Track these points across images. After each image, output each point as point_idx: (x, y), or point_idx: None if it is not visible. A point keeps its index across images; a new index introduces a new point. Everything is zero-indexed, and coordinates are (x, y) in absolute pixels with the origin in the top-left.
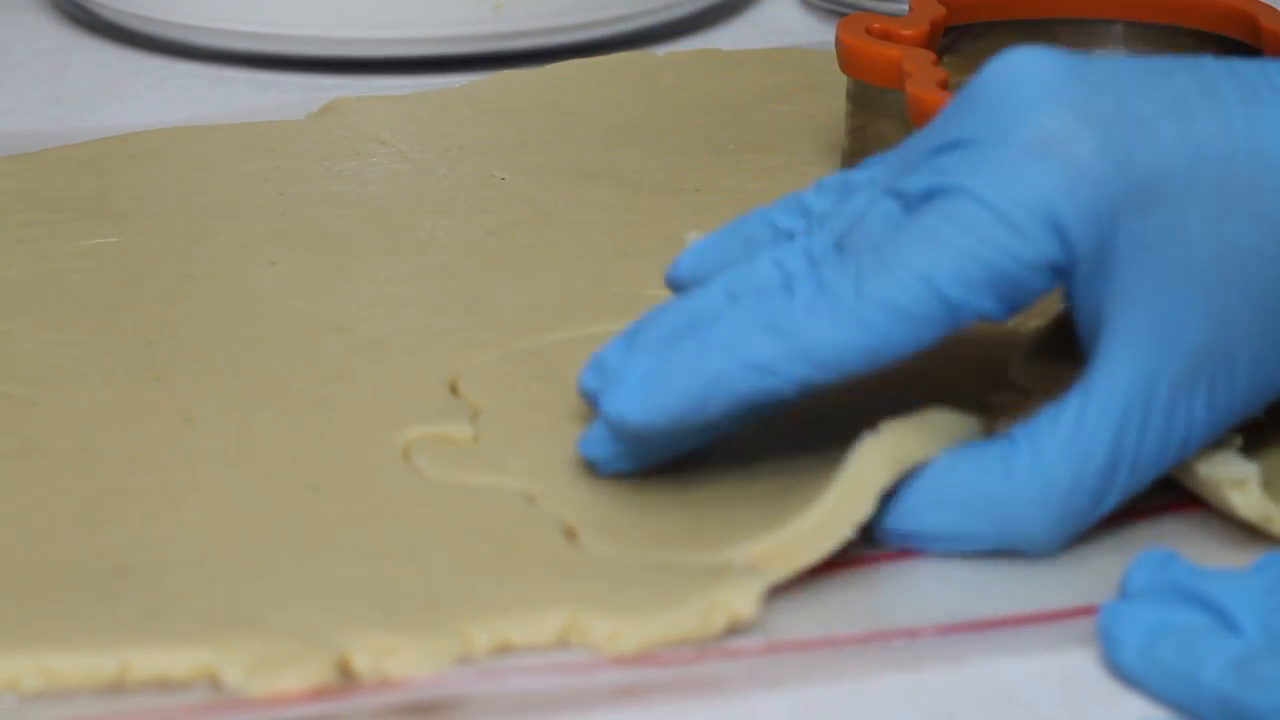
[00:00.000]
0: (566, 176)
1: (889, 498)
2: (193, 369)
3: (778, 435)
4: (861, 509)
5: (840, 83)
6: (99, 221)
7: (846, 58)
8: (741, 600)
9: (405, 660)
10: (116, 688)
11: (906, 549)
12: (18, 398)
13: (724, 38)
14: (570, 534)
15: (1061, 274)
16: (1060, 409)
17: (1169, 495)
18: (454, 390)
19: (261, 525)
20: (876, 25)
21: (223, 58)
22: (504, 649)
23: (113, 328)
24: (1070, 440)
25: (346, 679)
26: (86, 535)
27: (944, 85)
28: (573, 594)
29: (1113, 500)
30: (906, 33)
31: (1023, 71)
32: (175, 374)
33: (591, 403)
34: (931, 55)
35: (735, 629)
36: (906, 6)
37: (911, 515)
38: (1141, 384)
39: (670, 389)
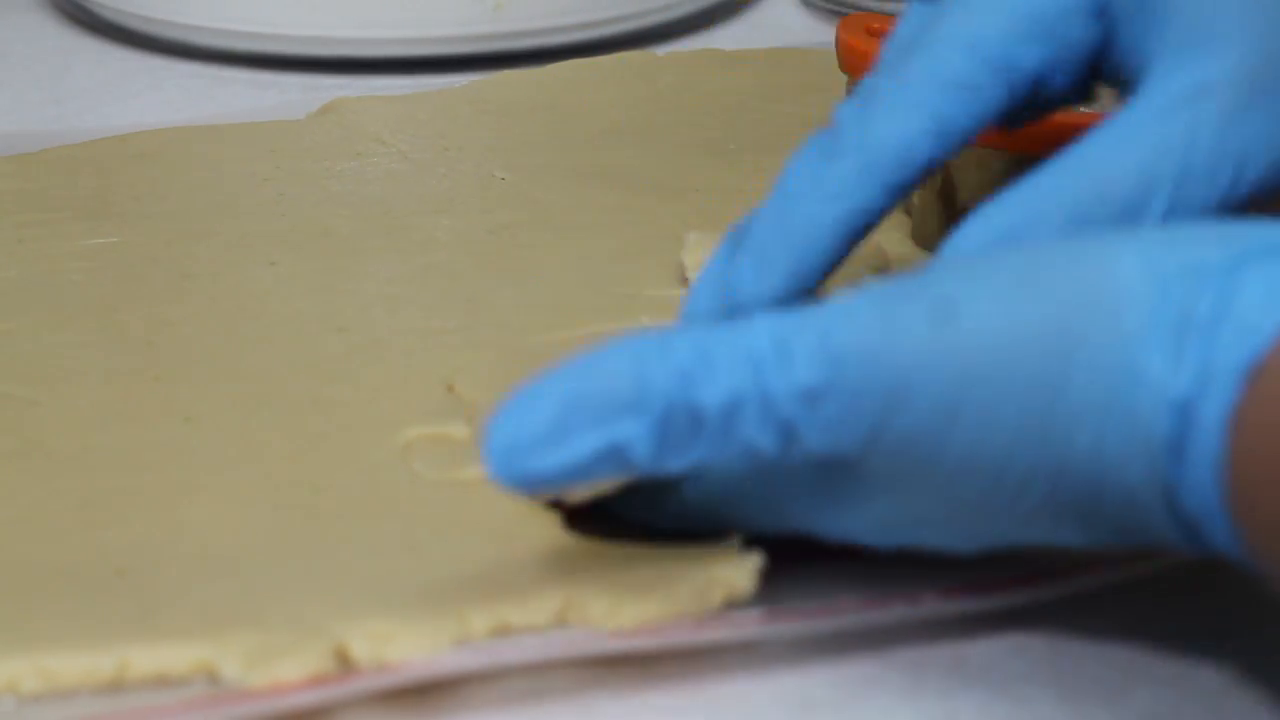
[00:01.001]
0: (566, 176)
1: None
2: (193, 369)
3: None
4: None
5: (840, 82)
6: (99, 221)
7: (846, 58)
8: (738, 576)
9: (403, 645)
10: (115, 687)
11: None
12: (18, 398)
13: (724, 38)
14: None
15: (1100, 13)
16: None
17: None
18: (452, 390)
19: (261, 525)
20: (876, 25)
21: (223, 58)
22: (502, 631)
23: (113, 328)
24: (1108, 138)
25: (345, 667)
26: (86, 535)
27: (875, 33)
28: (570, 576)
29: (1159, 208)
30: None
31: None
32: (175, 374)
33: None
34: None
35: (732, 605)
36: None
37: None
38: (1186, 95)
39: (773, 255)
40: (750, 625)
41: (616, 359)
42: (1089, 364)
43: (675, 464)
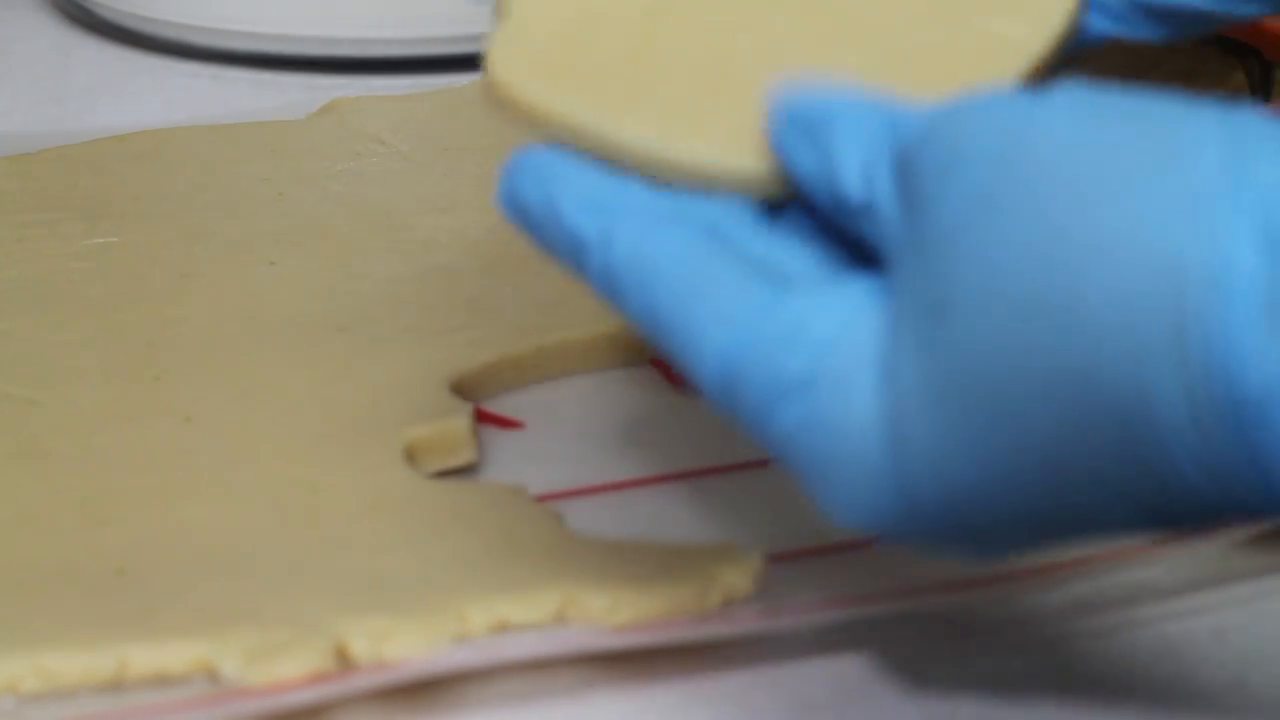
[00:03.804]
0: None
1: None
2: (193, 369)
3: None
4: None
5: None
6: (99, 221)
7: None
8: (738, 575)
9: (402, 643)
10: (115, 686)
11: None
12: (18, 398)
13: None
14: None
15: None
16: None
17: None
18: (454, 390)
19: (261, 524)
20: None
21: (223, 58)
22: (501, 628)
23: (113, 328)
24: None
25: (345, 664)
26: (86, 535)
27: None
28: (569, 573)
29: None
30: None
31: None
32: (175, 374)
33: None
34: None
35: (731, 604)
36: None
37: None
38: None
39: None
40: (750, 621)
41: None
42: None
43: None
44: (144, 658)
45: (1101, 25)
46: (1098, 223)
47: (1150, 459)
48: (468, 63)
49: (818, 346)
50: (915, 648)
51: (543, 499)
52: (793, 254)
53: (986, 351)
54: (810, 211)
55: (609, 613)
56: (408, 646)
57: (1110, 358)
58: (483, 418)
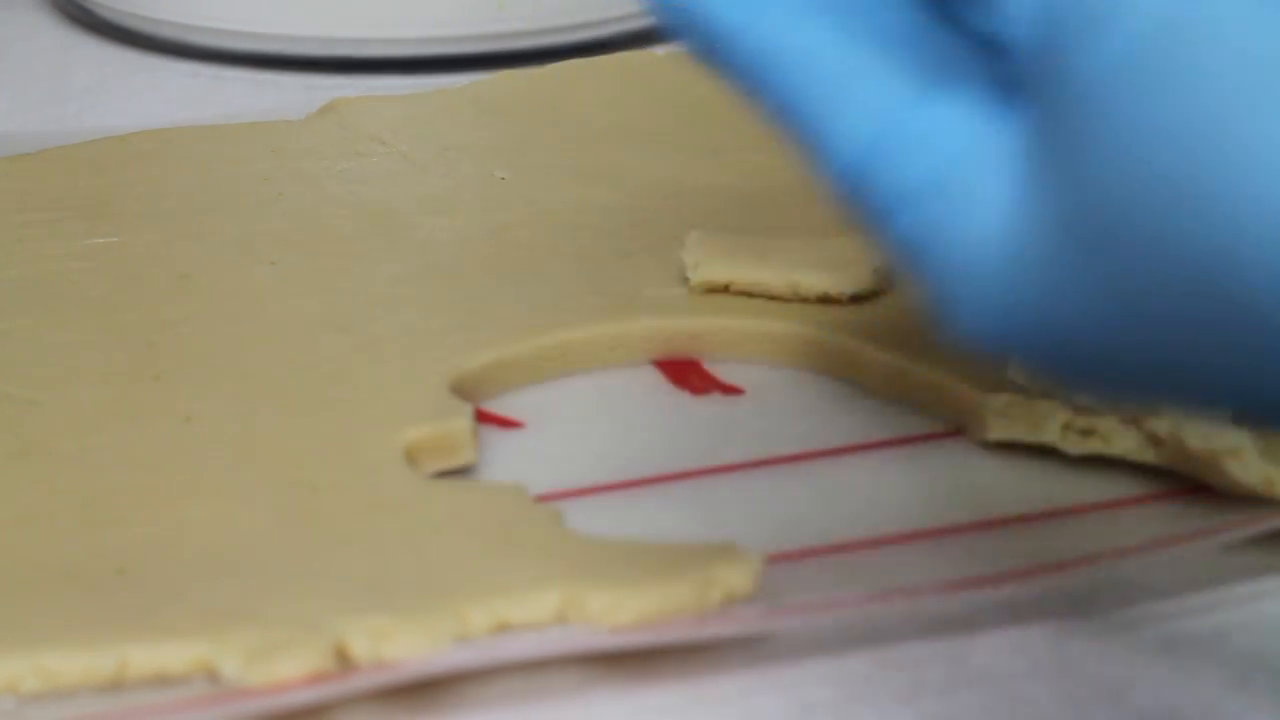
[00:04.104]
0: (566, 176)
1: None
2: (193, 369)
3: None
4: None
5: None
6: (99, 221)
7: None
8: (737, 575)
9: (402, 643)
10: (115, 686)
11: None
12: (17, 398)
13: None
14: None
15: None
16: None
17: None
18: (454, 390)
19: (261, 524)
20: None
21: (223, 58)
22: (502, 628)
23: (113, 328)
24: None
25: (344, 664)
26: (86, 535)
27: None
28: (569, 573)
29: None
30: None
31: None
32: (175, 374)
33: None
34: None
35: (731, 604)
36: None
37: None
38: None
39: None
40: (750, 621)
41: None
42: None
43: None
44: (144, 658)
45: None
46: (1263, 127)
47: (1276, 373)
48: (468, 63)
49: (947, 156)
50: (915, 648)
51: (543, 499)
52: (945, 42)
53: (1116, 221)
54: None
55: (609, 613)
56: (408, 646)
57: (1251, 275)
58: (483, 418)
